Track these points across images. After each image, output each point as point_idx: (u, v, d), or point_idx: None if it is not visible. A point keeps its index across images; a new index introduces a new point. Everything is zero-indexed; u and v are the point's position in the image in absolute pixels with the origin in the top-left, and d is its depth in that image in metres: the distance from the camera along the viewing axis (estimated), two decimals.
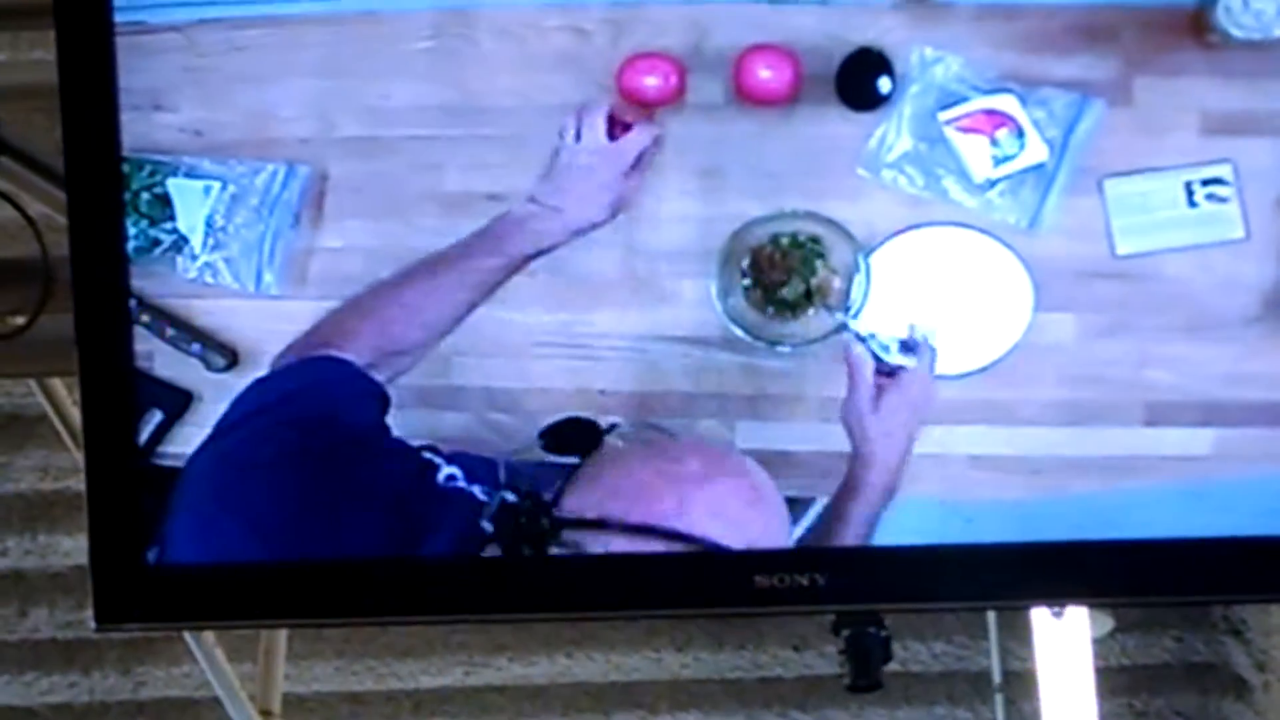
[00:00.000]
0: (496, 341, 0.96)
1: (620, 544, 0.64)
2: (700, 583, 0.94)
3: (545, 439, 0.88)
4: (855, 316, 0.92)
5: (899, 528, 0.95)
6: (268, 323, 0.97)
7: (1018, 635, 0.95)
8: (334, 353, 0.74)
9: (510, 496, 0.67)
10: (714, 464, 0.65)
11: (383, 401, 0.77)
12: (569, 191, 0.76)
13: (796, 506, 0.96)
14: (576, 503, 0.63)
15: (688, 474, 0.64)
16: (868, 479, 0.85)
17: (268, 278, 0.95)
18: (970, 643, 1.03)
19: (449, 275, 0.72)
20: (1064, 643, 0.92)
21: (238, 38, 0.96)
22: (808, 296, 0.93)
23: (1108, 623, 1.21)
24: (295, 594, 0.92)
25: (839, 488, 0.86)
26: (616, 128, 0.82)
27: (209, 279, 0.96)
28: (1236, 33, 0.89)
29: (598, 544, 0.67)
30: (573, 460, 0.82)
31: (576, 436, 0.88)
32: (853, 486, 0.85)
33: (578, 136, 0.77)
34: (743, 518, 0.63)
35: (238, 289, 0.96)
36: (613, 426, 0.72)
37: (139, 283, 0.97)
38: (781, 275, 0.93)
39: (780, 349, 0.93)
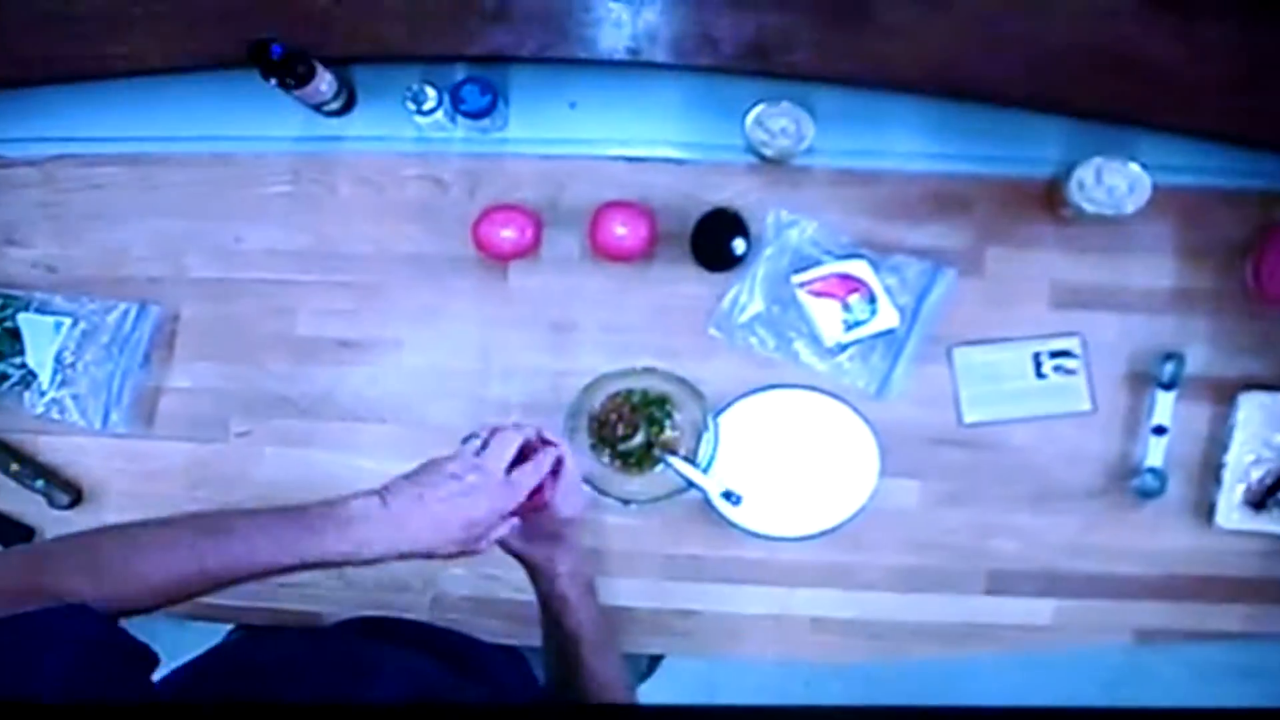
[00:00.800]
0: (344, 488, 0.96)
1: None
2: None
3: None
4: (706, 472, 0.93)
5: (738, 686, 0.95)
6: (113, 461, 0.98)
7: None
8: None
9: None
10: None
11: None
12: (424, 510, 0.64)
13: (639, 658, 0.97)
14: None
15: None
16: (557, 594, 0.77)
17: (114, 416, 0.96)
18: None
19: (209, 537, 0.58)
20: None
21: (94, 174, 0.97)
22: (651, 451, 0.93)
23: None
24: None
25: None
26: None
27: (56, 415, 0.96)
28: (1089, 208, 0.90)
29: None
30: None
31: None
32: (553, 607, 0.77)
33: (480, 449, 0.66)
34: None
35: (84, 426, 0.96)
36: None
37: None
38: (628, 430, 0.94)
39: (627, 505, 0.93)
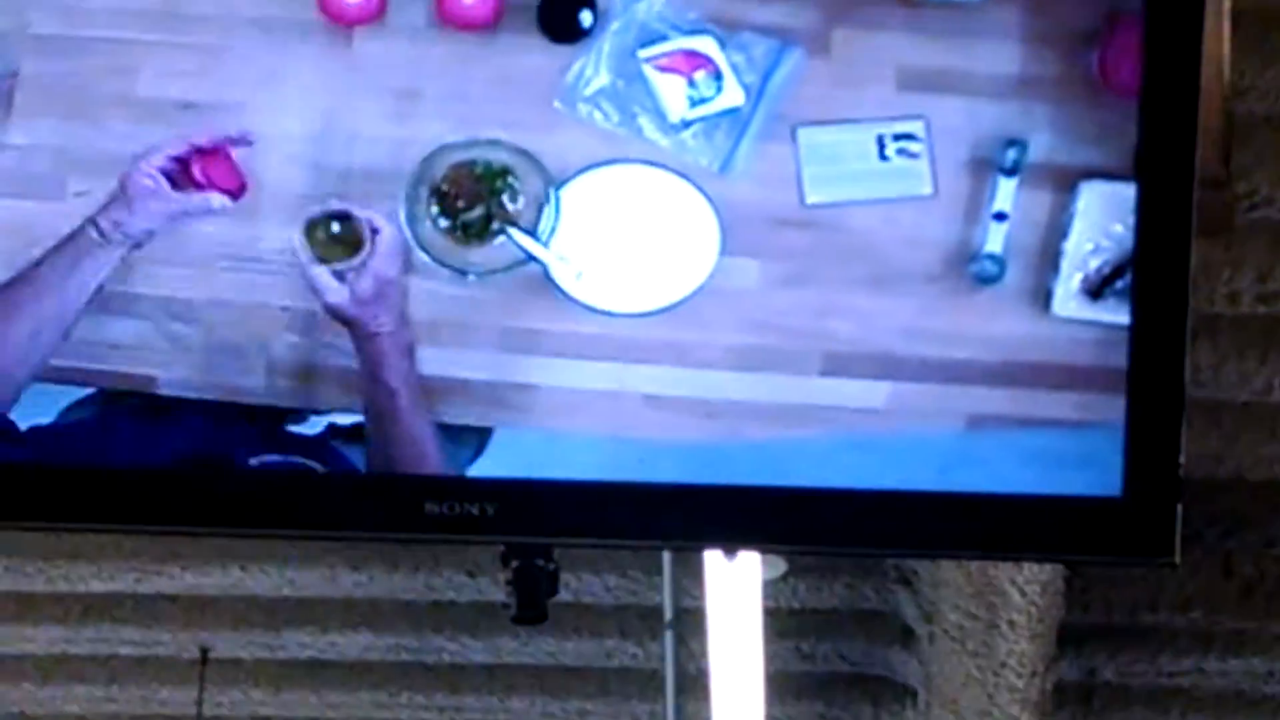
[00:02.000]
0: (181, 252, 0.97)
1: None
2: (369, 507, 0.96)
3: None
4: (546, 245, 0.94)
5: (571, 462, 0.97)
6: None
7: (692, 573, 0.98)
8: None
9: None
10: None
11: None
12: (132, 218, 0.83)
13: (471, 434, 0.98)
14: None
15: None
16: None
17: None
18: (644, 578, 1.06)
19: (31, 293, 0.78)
20: (735, 584, 0.95)
21: None
22: (492, 223, 0.95)
23: (781, 565, 1.24)
24: None
25: None
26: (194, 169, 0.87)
27: None
28: None
29: None
30: None
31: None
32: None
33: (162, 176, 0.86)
34: None
35: None
36: None
37: None
38: (469, 201, 0.95)
39: (465, 277, 0.95)
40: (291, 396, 0.97)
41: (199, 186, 0.85)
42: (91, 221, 0.81)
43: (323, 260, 0.90)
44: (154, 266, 0.98)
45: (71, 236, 0.82)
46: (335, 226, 0.90)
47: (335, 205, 0.84)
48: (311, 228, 0.90)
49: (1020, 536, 0.97)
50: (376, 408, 0.83)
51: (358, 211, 0.86)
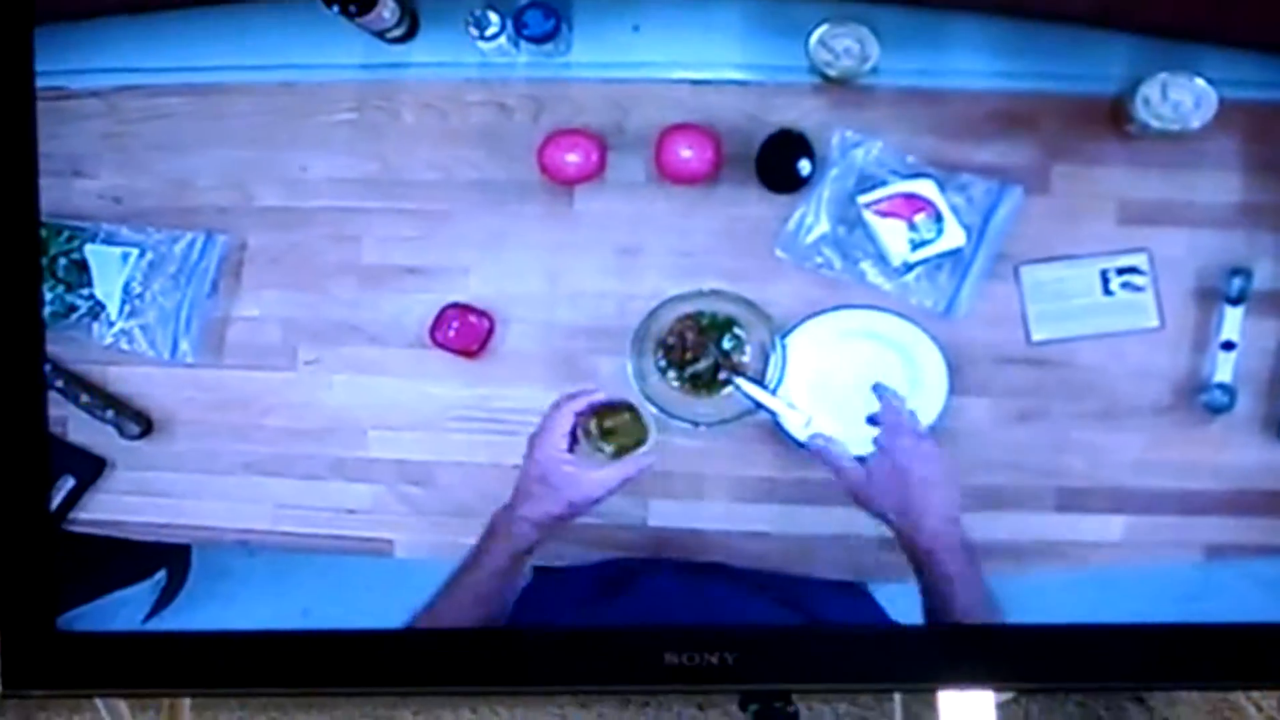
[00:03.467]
0: (413, 414, 1.00)
1: None
2: (611, 660, 0.98)
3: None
4: (774, 394, 0.96)
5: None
6: (182, 391, 1.02)
7: (923, 698, 1.00)
8: None
9: None
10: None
11: None
12: (535, 498, 0.85)
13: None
14: None
15: None
16: (921, 554, 0.89)
17: (183, 346, 1.00)
18: (875, 703, 1.08)
19: (454, 603, 0.83)
20: (968, 708, 0.97)
21: (159, 105, 1.01)
22: (719, 373, 0.97)
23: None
24: (202, 664, 0.96)
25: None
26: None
27: (125, 346, 1.00)
28: (1154, 123, 0.94)
29: None
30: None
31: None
32: (917, 568, 0.90)
33: (568, 446, 0.88)
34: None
35: (153, 356, 1.00)
36: None
37: (54, 348, 1.02)
38: (696, 353, 0.97)
39: (696, 428, 0.97)
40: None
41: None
42: (514, 514, 0.85)
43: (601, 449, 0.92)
44: (388, 431, 1.01)
45: (494, 532, 0.86)
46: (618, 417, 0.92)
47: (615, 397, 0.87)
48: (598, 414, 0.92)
49: (1261, 666, 0.98)
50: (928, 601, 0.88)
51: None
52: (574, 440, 0.90)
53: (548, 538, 0.88)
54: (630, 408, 0.93)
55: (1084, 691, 1.06)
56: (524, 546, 0.85)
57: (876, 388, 0.94)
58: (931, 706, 1.02)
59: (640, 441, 0.91)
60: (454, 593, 0.86)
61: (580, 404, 0.89)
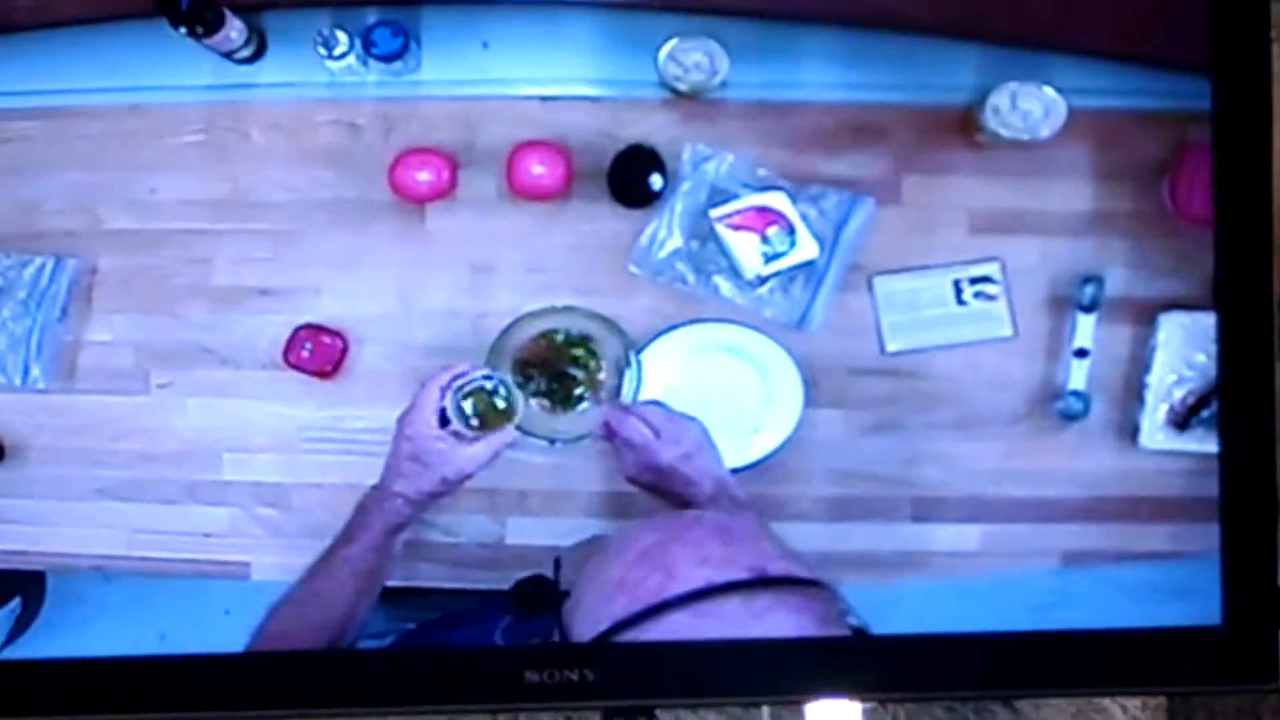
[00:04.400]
0: (268, 436, 1.00)
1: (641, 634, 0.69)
2: (470, 678, 0.99)
3: (514, 603, 0.96)
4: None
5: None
6: (34, 416, 1.02)
7: (791, 706, 1.01)
8: None
9: None
10: (666, 528, 0.70)
11: None
12: (406, 475, 0.86)
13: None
14: (579, 628, 0.68)
15: (649, 546, 0.68)
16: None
17: (34, 371, 1.00)
18: (741, 712, 1.09)
19: (331, 576, 0.83)
20: (834, 714, 0.99)
21: (4, 129, 1.02)
22: (576, 392, 0.97)
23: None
24: (59, 691, 0.96)
25: None
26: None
27: None
28: (1004, 133, 0.95)
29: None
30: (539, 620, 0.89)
31: (539, 596, 0.95)
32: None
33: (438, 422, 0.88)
34: (714, 553, 0.67)
35: (4, 382, 1.00)
36: (557, 566, 0.79)
37: None
38: (551, 370, 0.98)
39: (552, 444, 0.97)
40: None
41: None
42: (388, 492, 0.86)
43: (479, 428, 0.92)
44: (242, 454, 1.01)
45: (366, 510, 0.87)
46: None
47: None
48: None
49: (1122, 670, 0.99)
50: None
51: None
52: (443, 418, 0.90)
53: (418, 515, 0.89)
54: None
55: (947, 700, 1.07)
56: (396, 523, 0.86)
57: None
58: (798, 712, 1.03)
59: (509, 415, 0.92)
60: (328, 569, 0.86)
61: (446, 378, 0.90)
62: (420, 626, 1.02)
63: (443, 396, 0.89)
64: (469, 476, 0.87)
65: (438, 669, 0.95)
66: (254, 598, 1.01)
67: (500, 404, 0.94)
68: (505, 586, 1.05)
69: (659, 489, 0.92)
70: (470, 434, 0.90)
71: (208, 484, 1.02)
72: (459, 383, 0.91)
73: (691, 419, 0.91)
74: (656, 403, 0.95)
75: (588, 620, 0.64)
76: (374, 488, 0.88)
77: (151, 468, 1.02)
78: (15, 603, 1.03)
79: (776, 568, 0.62)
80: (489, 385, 0.93)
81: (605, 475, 1.01)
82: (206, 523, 1.02)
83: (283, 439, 1.02)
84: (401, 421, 0.88)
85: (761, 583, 0.59)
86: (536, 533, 1.01)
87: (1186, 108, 0.98)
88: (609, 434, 0.93)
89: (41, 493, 1.03)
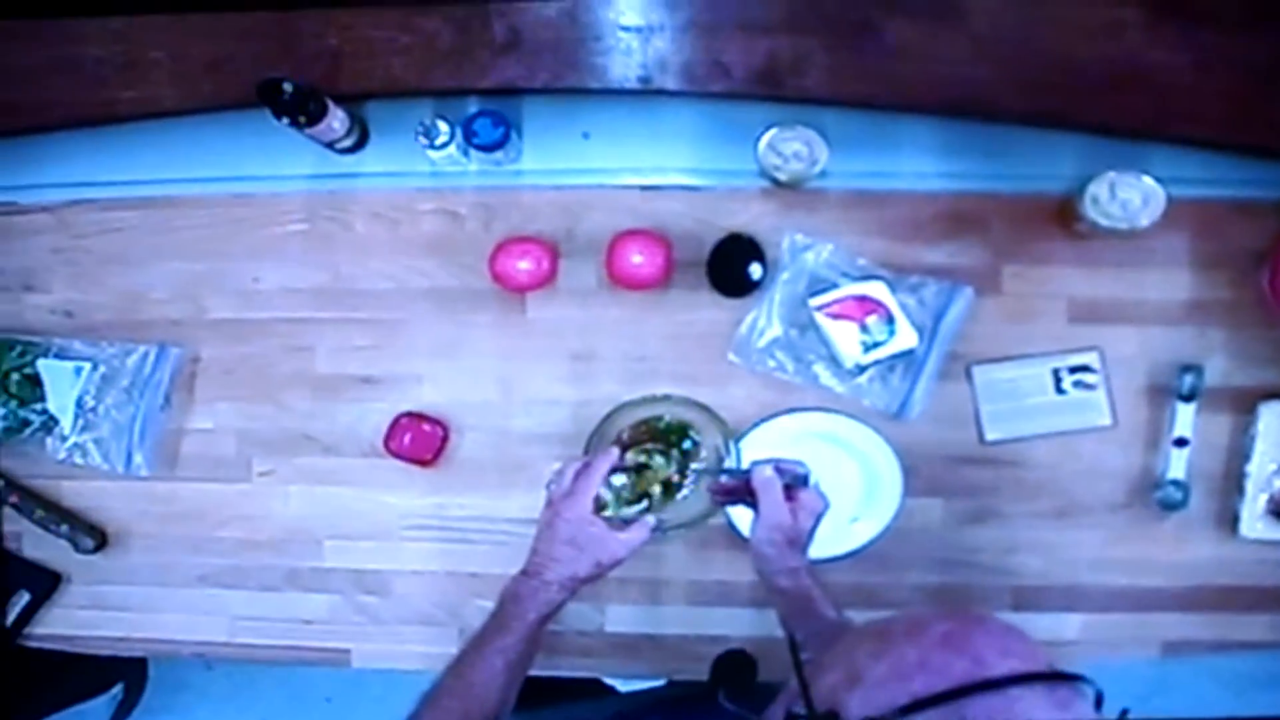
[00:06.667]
0: (368, 523, 1.03)
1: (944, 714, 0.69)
2: None
3: (714, 676, 0.99)
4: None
5: None
6: (137, 504, 1.05)
7: None
8: None
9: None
10: (959, 619, 0.71)
11: None
12: (562, 560, 0.86)
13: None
14: (859, 706, 0.69)
15: (949, 632, 0.70)
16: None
17: (137, 459, 1.03)
18: None
19: (486, 666, 0.82)
20: None
21: (110, 219, 1.05)
22: (677, 481, 1.00)
23: None
24: None
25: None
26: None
27: (79, 460, 1.03)
28: (1104, 222, 0.97)
29: None
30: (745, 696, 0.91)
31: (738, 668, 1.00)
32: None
33: (570, 499, 0.88)
34: (1014, 646, 0.69)
35: (107, 469, 1.03)
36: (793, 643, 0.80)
37: (8, 463, 1.05)
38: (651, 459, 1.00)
39: (655, 532, 1.00)
40: None
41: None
42: (541, 580, 0.86)
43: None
44: (344, 540, 1.04)
45: (519, 598, 0.86)
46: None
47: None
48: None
49: None
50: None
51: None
52: (597, 503, 0.92)
53: (566, 603, 0.89)
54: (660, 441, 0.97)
55: None
56: (548, 611, 0.86)
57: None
58: None
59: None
60: (482, 659, 0.84)
61: (605, 466, 0.90)
62: None
63: (601, 483, 0.91)
64: (620, 562, 0.88)
65: None
66: (354, 684, 1.05)
67: (653, 490, 0.97)
68: (605, 675, 1.08)
69: (774, 563, 0.92)
70: (626, 518, 0.92)
71: (308, 571, 1.05)
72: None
73: (823, 495, 0.92)
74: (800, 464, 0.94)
75: (872, 697, 0.66)
76: (522, 574, 0.88)
77: (253, 555, 1.05)
78: (118, 689, 1.06)
79: (1059, 666, 0.65)
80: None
81: (701, 564, 1.04)
82: (307, 610, 1.05)
83: (383, 526, 1.04)
84: (558, 505, 0.88)
85: (1060, 675, 0.63)
86: (638, 620, 1.04)
87: None
88: (726, 498, 0.94)
89: (143, 579, 1.06)
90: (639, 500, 0.97)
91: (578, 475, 0.90)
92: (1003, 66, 0.97)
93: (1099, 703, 0.68)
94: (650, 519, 0.92)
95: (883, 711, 0.67)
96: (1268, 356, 1.02)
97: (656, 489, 0.97)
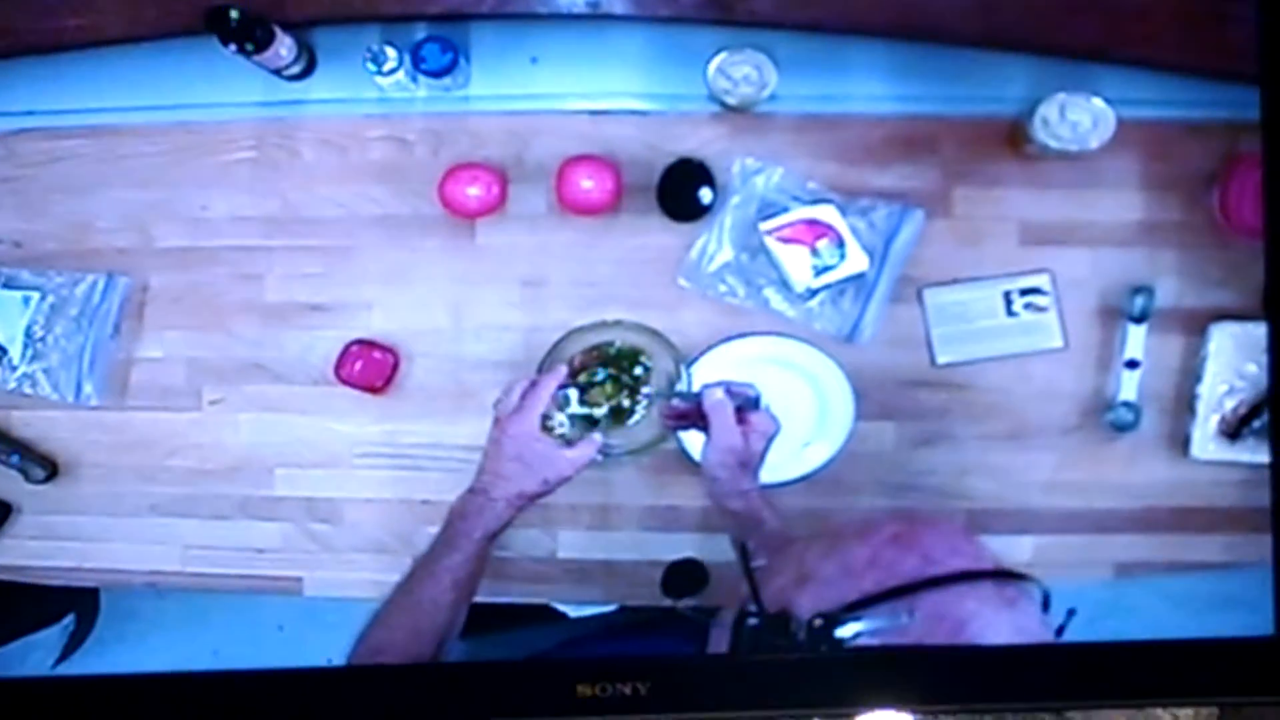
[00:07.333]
0: (319, 451, 1.04)
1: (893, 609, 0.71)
2: (522, 691, 1.02)
3: (666, 585, 1.02)
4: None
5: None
6: (87, 433, 1.06)
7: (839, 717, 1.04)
8: None
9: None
10: (909, 521, 0.73)
11: None
12: (509, 478, 0.88)
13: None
14: (810, 603, 0.70)
15: (899, 532, 0.71)
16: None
17: (87, 388, 1.03)
18: None
19: (434, 584, 0.85)
20: None
21: (57, 148, 1.05)
22: (628, 406, 1.00)
23: None
24: (114, 707, 0.99)
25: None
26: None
27: (28, 389, 1.04)
28: (1054, 144, 0.98)
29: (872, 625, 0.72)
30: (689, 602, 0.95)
31: (689, 578, 1.01)
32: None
33: (516, 415, 0.90)
34: (962, 546, 0.70)
35: (57, 399, 1.03)
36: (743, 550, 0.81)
37: None
38: (605, 384, 1.01)
39: (605, 458, 1.00)
40: None
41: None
42: (488, 496, 0.88)
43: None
44: (295, 469, 1.05)
45: (465, 515, 0.89)
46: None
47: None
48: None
49: (1173, 681, 1.02)
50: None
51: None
52: (544, 419, 0.93)
53: (513, 521, 0.91)
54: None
55: (999, 711, 1.10)
56: (496, 529, 0.89)
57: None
58: None
59: (597, 423, 0.97)
60: (430, 577, 0.87)
61: (553, 384, 0.92)
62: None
63: (550, 400, 0.92)
64: (567, 480, 0.90)
65: (487, 680, 0.99)
66: (307, 613, 1.05)
67: (597, 412, 0.98)
68: (557, 601, 1.09)
69: (726, 485, 0.94)
70: (571, 437, 0.93)
71: (260, 499, 1.05)
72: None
73: (775, 418, 0.94)
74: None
75: (823, 595, 0.67)
76: (470, 492, 0.90)
77: (204, 484, 1.06)
78: (69, 619, 1.06)
79: (1005, 566, 0.66)
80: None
81: (653, 489, 1.04)
82: (259, 538, 1.05)
83: (334, 455, 1.05)
84: (504, 423, 0.90)
85: (1007, 574, 0.64)
86: (586, 546, 1.04)
87: (1236, 118, 1.01)
88: (677, 421, 0.96)
89: (94, 509, 1.06)
90: (589, 424, 0.98)
91: (524, 394, 0.91)
92: None
93: (1046, 604, 0.69)
94: (597, 437, 0.93)
95: (833, 608, 0.67)
96: (1218, 278, 1.02)
97: (605, 410, 0.98)
